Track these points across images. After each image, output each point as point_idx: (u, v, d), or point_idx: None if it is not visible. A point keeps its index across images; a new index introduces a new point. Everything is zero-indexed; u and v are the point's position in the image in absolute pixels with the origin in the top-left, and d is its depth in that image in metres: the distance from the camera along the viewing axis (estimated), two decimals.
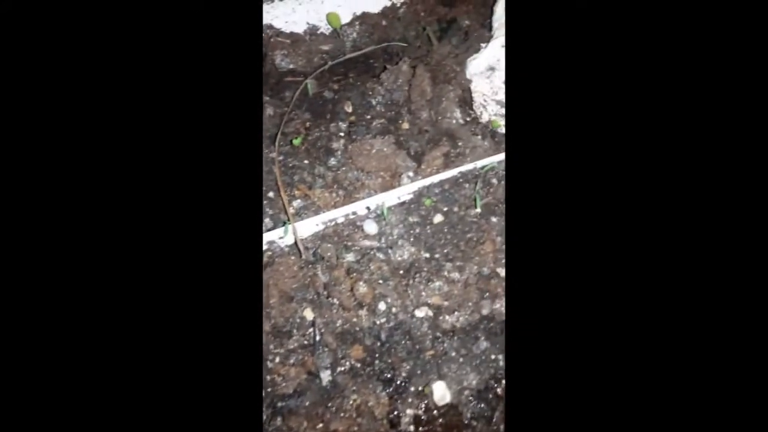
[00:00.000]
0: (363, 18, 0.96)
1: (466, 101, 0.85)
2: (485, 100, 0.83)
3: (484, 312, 0.69)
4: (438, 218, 0.74)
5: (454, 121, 0.83)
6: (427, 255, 0.72)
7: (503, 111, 0.82)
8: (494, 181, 0.77)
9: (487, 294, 0.70)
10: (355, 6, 0.96)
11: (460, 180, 0.77)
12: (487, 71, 0.81)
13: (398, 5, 0.99)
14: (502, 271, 0.72)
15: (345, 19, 0.96)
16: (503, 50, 0.80)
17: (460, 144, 0.82)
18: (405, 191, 0.75)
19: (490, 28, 0.89)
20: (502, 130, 0.83)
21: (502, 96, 0.81)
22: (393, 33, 0.96)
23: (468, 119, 0.85)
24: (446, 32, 0.96)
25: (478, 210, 0.74)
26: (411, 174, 0.77)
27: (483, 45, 0.87)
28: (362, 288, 0.66)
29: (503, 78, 0.80)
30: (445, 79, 0.86)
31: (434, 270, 0.71)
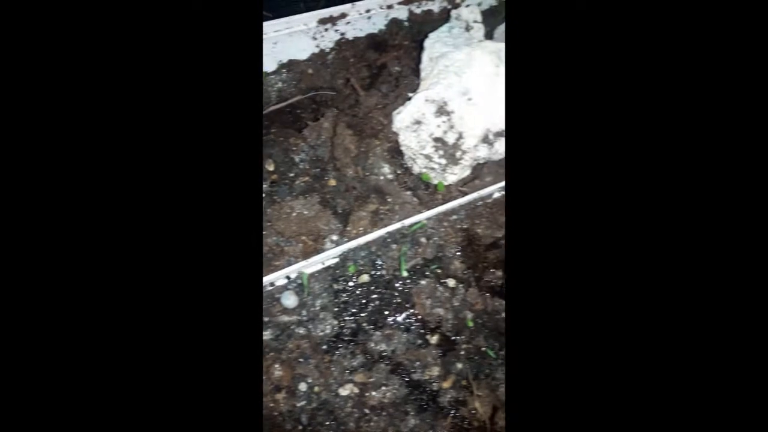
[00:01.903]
0: (290, 66, 0.93)
1: (394, 155, 0.82)
2: (414, 154, 0.80)
3: (414, 384, 0.66)
4: (364, 283, 0.71)
5: (382, 177, 0.80)
6: (353, 326, 0.68)
7: (433, 165, 0.79)
8: (423, 239, 0.75)
9: (417, 363, 0.67)
10: (281, 53, 0.92)
11: (388, 240, 0.74)
12: (413, 125, 0.79)
13: (327, 51, 0.96)
14: (433, 338, 0.69)
15: (270, 67, 0.92)
16: (428, 105, 0.78)
17: (389, 200, 0.79)
18: (329, 256, 0.71)
19: (418, 75, 0.87)
20: (434, 181, 0.81)
21: (429, 150, 0.79)
22: (321, 81, 0.93)
23: (397, 174, 0.82)
24: (376, 79, 0.93)
25: (404, 273, 0.71)
26: (336, 237, 0.73)
27: (411, 95, 0.85)
28: (278, 371, 0.62)
29: (430, 131, 0.78)
30: (372, 132, 0.83)
31: (360, 342, 0.67)
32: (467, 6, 0.89)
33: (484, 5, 1.04)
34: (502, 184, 0.80)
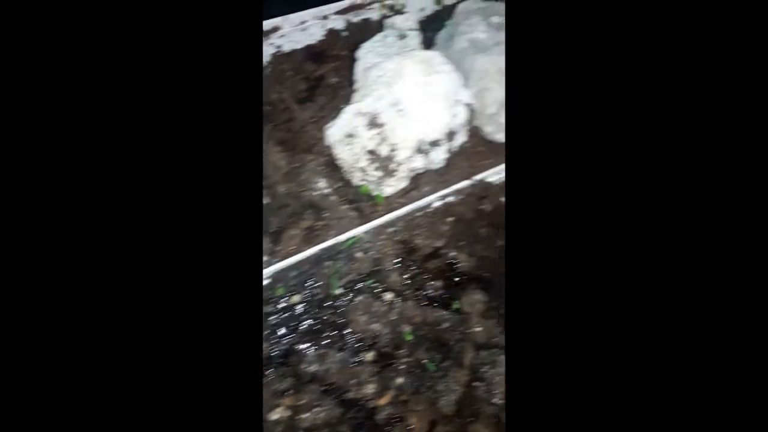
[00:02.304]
0: None
1: (330, 169, 0.81)
2: (349, 168, 0.79)
3: (349, 402, 0.64)
4: (295, 304, 0.69)
5: (317, 192, 0.79)
6: (284, 348, 0.67)
7: (369, 178, 0.78)
8: (359, 254, 0.73)
9: (352, 382, 0.66)
10: None
11: (323, 257, 0.72)
12: (346, 138, 0.78)
13: (264, 65, 0.95)
14: (368, 355, 0.68)
15: None
16: (359, 117, 0.76)
17: (326, 215, 0.77)
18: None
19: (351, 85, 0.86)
20: (374, 194, 0.80)
21: (364, 163, 0.77)
22: None
23: (335, 188, 0.81)
24: (314, 91, 0.92)
25: (337, 291, 0.70)
26: (266, 257, 0.72)
27: (343, 107, 0.84)
28: None
29: (363, 144, 0.77)
30: (305, 147, 0.82)
31: (291, 364, 0.65)
32: (403, 14, 0.88)
33: (427, 10, 1.04)
34: (441, 192, 0.79)
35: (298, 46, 0.96)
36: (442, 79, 0.76)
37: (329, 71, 0.93)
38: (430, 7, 1.01)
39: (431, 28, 0.99)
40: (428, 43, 0.92)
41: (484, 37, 0.81)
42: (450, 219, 0.78)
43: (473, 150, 0.83)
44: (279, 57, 0.95)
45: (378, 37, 0.85)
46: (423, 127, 0.76)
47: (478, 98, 0.81)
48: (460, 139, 0.81)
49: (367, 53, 0.83)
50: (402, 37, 0.85)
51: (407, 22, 0.87)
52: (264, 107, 0.90)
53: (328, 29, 0.97)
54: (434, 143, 0.78)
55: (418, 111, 0.75)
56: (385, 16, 0.98)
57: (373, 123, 0.77)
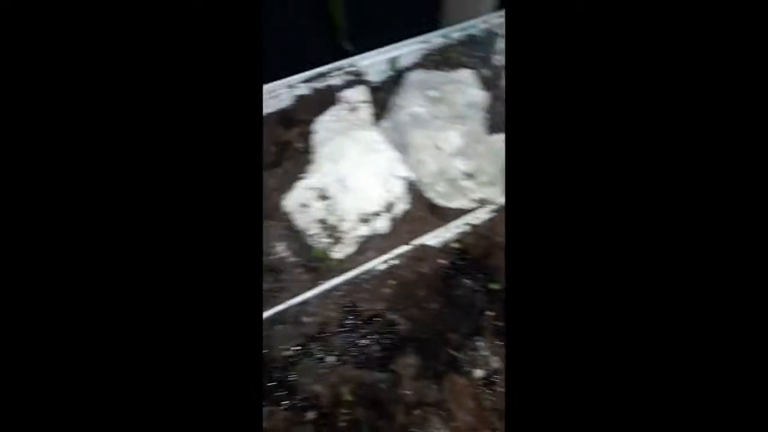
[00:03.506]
0: None
1: (289, 235, 0.90)
2: (304, 234, 0.88)
3: None
4: None
5: (275, 257, 0.88)
6: None
7: (320, 244, 0.87)
8: (305, 318, 0.82)
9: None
10: None
11: (276, 321, 0.81)
12: (300, 207, 0.87)
13: None
14: (310, 414, 0.76)
15: None
16: (311, 191, 0.85)
17: (283, 278, 0.86)
18: None
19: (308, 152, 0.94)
20: (326, 256, 0.88)
21: (316, 230, 0.86)
22: None
23: (291, 251, 0.89)
24: (282, 155, 1.01)
25: (285, 353, 0.79)
26: None
27: (304, 175, 0.92)
28: None
29: (313, 215, 0.85)
30: (268, 214, 0.91)
31: None
32: (355, 87, 0.95)
33: (385, 74, 1.11)
34: (384, 257, 0.86)
35: (272, 110, 1.05)
36: (379, 157, 0.84)
37: (296, 136, 1.02)
38: (387, 72, 1.08)
39: (386, 93, 1.06)
40: (380, 112, 0.99)
41: (422, 111, 0.88)
42: (391, 282, 0.86)
43: (416, 215, 0.90)
44: None
45: (332, 110, 0.93)
46: (364, 200, 0.84)
47: (416, 169, 0.88)
48: (402, 206, 0.88)
49: (320, 128, 0.91)
50: (353, 110, 0.93)
51: (358, 94, 0.94)
52: None
53: (295, 95, 1.05)
54: (375, 214, 0.86)
55: (359, 186, 0.83)
56: (346, 83, 1.06)
57: (322, 196, 0.85)
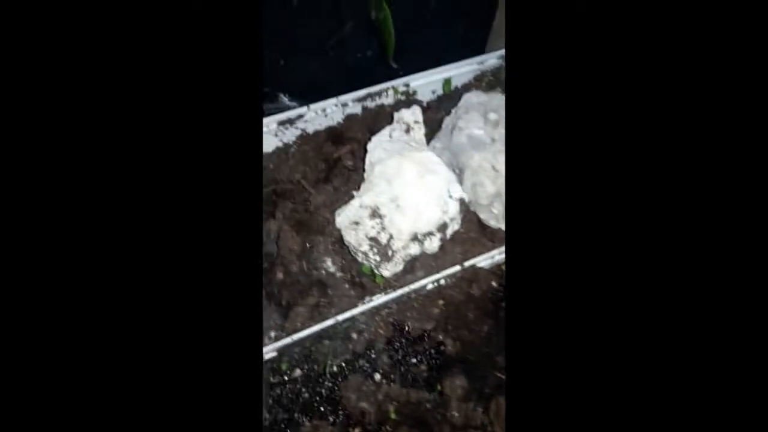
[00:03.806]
0: None
1: (338, 250, 0.91)
2: (354, 250, 0.89)
3: None
4: (296, 378, 0.80)
5: (324, 272, 0.89)
6: (285, 416, 0.77)
7: (369, 261, 0.88)
8: (354, 335, 0.83)
9: None
10: None
11: (322, 336, 0.82)
12: (352, 225, 0.88)
13: (290, 144, 1.07)
14: (355, 431, 0.77)
15: None
16: (363, 209, 0.86)
17: (330, 293, 0.87)
18: (267, 350, 0.80)
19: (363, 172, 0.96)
20: (374, 272, 0.89)
21: (366, 248, 0.87)
22: (281, 174, 1.03)
23: (340, 267, 0.91)
24: (331, 171, 1.03)
25: (333, 369, 0.80)
26: (274, 333, 0.83)
27: (354, 193, 0.94)
28: None
29: (366, 231, 0.86)
30: (318, 229, 0.92)
31: None
32: (410, 107, 0.97)
33: (438, 92, 1.12)
34: (434, 277, 0.87)
35: (321, 127, 1.08)
36: (435, 179, 0.84)
37: (346, 154, 1.04)
38: (440, 91, 1.10)
39: (444, 107, 1.07)
40: (432, 133, 1.00)
41: (480, 133, 0.89)
42: (440, 302, 0.87)
43: (467, 236, 0.91)
44: (304, 138, 1.07)
45: (386, 131, 0.95)
46: (418, 220, 0.85)
47: (472, 191, 0.89)
48: (454, 227, 0.88)
49: (375, 147, 0.92)
50: (408, 130, 0.94)
51: (413, 115, 0.96)
52: (285, 185, 1.01)
53: (347, 114, 1.07)
54: (428, 234, 0.86)
55: (413, 207, 0.84)
56: (398, 101, 1.08)
57: (375, 214, 0.86)
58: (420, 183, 0.85)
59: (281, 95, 1.47)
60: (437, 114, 1.10)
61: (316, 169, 1.03)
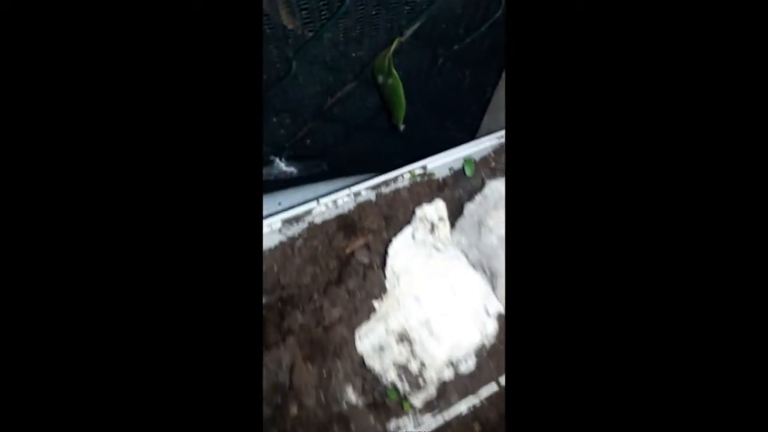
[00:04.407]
0: None
1: (358, 376, 0.80)
2: (378, 376, 0.78)
3: None
4: None
5: (345, 404, 0.78)
6: None
7: (401, 388, 0.77)
8: None
9: None
10: None
11: None
12: (376, 349, 0.77)
13: (296, 237, 0.95)
14: None
15: None
16: (391, 335, 0.75)
17: (352, 428, 0.76)
18: None
19: (384, 269, 0.85)
20: (400, 399, 0.78)
21: (393, 376, 0.76)
22: (287, 277, 0.91)
23: (362, 394, 0.79)
24: (345, 269, 0.91)
25: None
26: None
27: (376, 304, 0.82)
28: None
29: (393, 358, 0.76)
30: (335, 350, 0.81)
31: None
32: (431, 203, 0.86)
33: (456, 166, 1.02)
34: (470, 401, 0.77)
35: (330, 216, 0.96)
36: (470, 295, 0.74)
37: (360, 248, 0.92)
38: (464, 177, 1.00)
39: (456, 190, 0.97)
40: (452, 215, 0.90)
41: None
42: (476, 426, 0.76)
43: (502, 347, 0.81)
44: (311, 229, 0.95)
45: (408, 230, 0.84)
46: (454, 346, 0.74)
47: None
48: (491, 341, 0.78)
49: (396, 252, 0.82)
50: (433, 229, 0.84)
51: (438, 211, 0.85)
52: (293, 289, 0.90)
53: (358, 203, 0.96)
54: (464, 357, 0.76)
55: (446, 331, 0.73)
56: (414, 183, 0.97)
57: (403, 338, 0.75)
58: (454, 301, 0.74)
59: (276, 159, 1.36)
60: (454, 192, 0.99)
61: (327, 268, 0.91)
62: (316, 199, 0.91)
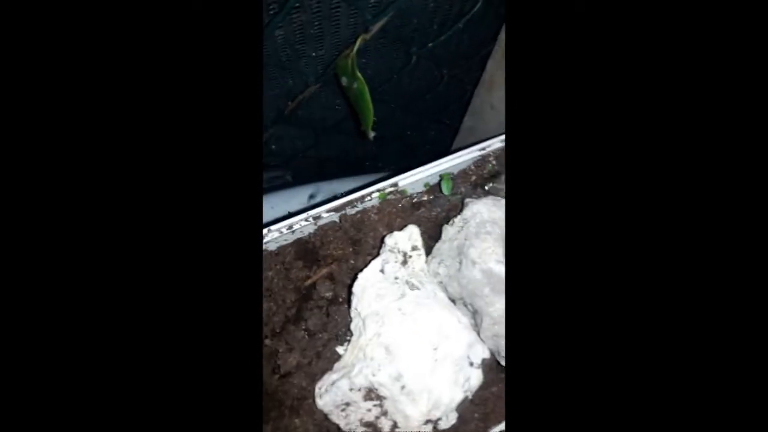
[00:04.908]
0: None
1: (322, 425, 0.68)
2: None
3: None
4: None
5: None
6: None
7: None
8: None
9: None
10: None
11: None
12: (341, 407, 0.65)
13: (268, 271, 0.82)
14: None
15: None
16: (356, 392, 0.64)
17: None
18: None
19: (349, 307, 0.73)
20: None
21: None
22: None
23: None
24: (304, 304, 0.79)
25: None
26: None
27: (340, 350, 0.71)
28: None
29: (359, 416, 0.64)
30: (293, 405, 0.69)
31: None
32: (404, 230, 0.74)
33: (432, 181, 0.90)
34: None
35: (287, 242, 0.84)
36: (453, 346, 0.63)
37: (321, 280, 0.81)
38: (434, 182, 0.88)
39: (433, 209, 0.86)
40: (429, 238, 0.78)
41: (500, 270, 0.67)
42: None
43: (488, 393, 0.70)
44: (266, 257, 0.82)
45: (377, 263, 0.72)
46: (432, 407, 0.63)
47: (492, 342, 0.67)
48: (475, 386, 0.67)
49: (363, 289, 0.70)
50: (405, 261, 0.72)
51: (411, 239, 0.74)
52: None
53: (319, 226, 0.84)
54: (444, 413, 0.65)
55: (424, 391, 0.62)
56: (384, 201, 0.85)
57: (372, 395, 0.64)
58: (432, 355, 0.63)
59: None
60: (431, 212, 0.88)
61: (283, 303, 0.79)
62: (274, 222, 0.79)
